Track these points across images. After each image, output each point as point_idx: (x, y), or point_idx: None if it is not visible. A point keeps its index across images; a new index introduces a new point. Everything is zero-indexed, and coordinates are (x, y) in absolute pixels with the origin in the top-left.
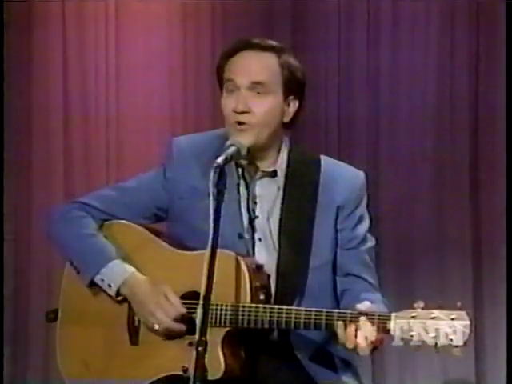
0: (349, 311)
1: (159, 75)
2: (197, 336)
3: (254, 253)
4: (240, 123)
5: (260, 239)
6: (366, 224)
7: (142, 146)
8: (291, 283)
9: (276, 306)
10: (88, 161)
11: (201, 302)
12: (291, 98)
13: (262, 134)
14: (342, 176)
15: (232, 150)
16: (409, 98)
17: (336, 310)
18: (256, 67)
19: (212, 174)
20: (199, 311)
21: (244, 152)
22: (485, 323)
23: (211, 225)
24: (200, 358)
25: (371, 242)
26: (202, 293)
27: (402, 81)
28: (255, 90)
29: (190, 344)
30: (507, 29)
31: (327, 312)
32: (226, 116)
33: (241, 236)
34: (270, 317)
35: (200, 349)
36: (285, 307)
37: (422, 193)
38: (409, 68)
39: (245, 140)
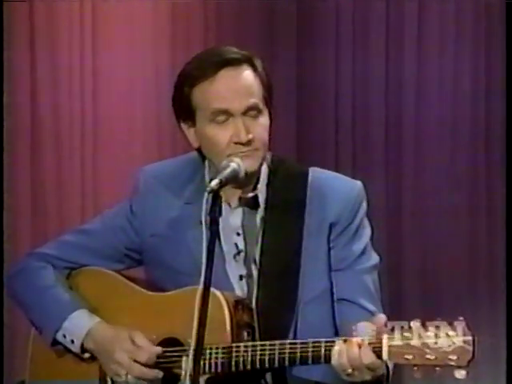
0: (336, 338)
1: (144, 85)
2: None
3: (242, 291)
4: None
5: (244, 276)
6: (362, 240)
7: (124, 161)
8: (274, 323)
9: (258, 343)
10: (60, 177)
11: (191, 354)
12: (270, 107)
13: (262, 157)
14: (333, 189)
15: (228, 171)
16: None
17: (323, 339)
18: (245, 89)
19: (205, 199)
20: (189, 364)
21: (242, 175)
22: None
23: (204, 260)
24: None
25: (371, 261)
26: (193, 345)
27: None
28: (249, 115)
29: None
30: (507, 29)
31: (313, 342)
32: (220, 149)
33: (224, 273)
34: (253, 355)
35: None
36: (268, 342)
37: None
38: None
39: (251, 166)
